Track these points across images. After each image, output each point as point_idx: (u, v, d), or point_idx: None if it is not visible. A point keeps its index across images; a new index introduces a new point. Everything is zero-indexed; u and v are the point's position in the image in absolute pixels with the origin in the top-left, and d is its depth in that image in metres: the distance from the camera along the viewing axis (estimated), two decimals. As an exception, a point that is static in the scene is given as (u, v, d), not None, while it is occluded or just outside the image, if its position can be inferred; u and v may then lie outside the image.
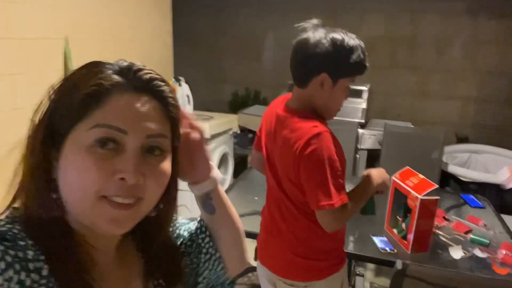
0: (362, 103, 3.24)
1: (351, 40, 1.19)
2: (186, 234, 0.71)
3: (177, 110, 0.57)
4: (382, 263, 1.59)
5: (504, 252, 1.53)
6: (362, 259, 1.53)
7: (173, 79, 3.08)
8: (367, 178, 1.30)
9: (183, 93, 3.05)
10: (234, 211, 0.72)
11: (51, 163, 0.51)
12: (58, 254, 0.49)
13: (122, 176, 0.48)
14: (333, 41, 1.17)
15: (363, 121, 3.11)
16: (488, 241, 1.63)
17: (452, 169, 2.88)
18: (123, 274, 0.59)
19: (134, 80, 0.52)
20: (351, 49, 1.18)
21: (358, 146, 3.08)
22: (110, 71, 0.52)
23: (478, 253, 1.54)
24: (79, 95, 0.50)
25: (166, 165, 0.54)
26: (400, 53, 4.17)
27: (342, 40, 1.18)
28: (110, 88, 0.50)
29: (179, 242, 0.69)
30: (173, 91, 0.57)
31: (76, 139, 0.49)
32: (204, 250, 0.70)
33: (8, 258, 0.43)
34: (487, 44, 3.88)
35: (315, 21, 1.22)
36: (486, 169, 3.23)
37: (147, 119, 0.51)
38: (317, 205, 1.17)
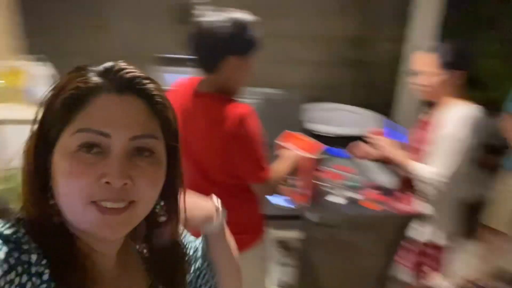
0: None
1: (248, 17, 1.24)
2: (191, 252, 0.71)
3: (166, 108, 0.55)
4: (292, 218, 1.78)
5: (373, 191, 1.91)
6: (275, 218, 1.71)
7: (34, 58, 2.65)
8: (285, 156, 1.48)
9: (47, 74, 2.66)
10: (234, 250, 0.76)
11: (47, 171, 0.51)
12: (59, 259, 0.49)
13: (106, 180, 0.47)
14: (235, 22, 1.20)
15: None
16: (359, 184, 1.97)
17: (314, 126, 3.28)
18: (125, 279, 0.59)
19: (115, 80, 0.50)
20: (251, 27, 1.23)
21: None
22: (91, 74, 0.51)
23: (356, 195, 1.87)
24: (60, 100, 0.49)
25: (157, 165, 0.53)
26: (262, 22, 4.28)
27: (243, 20, 1.21)
28: (90, 90, 0.49)
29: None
30: (160, 88, 0.54)
31: (62, 145, 0.49)
32: (201, 275, 0.71)
33: (12, 260, 0.44)
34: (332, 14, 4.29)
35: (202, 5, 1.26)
36: (341, 124, 3.77)
37: (130, 120, 0.50)
38: (257, 178, 1.30)
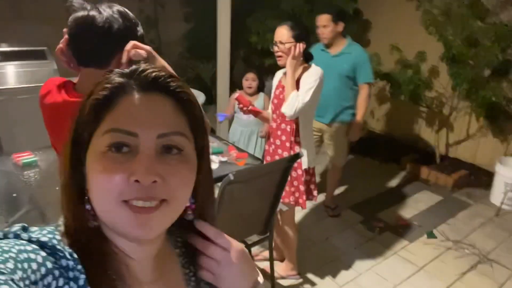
0: (51, 64, 2.95)
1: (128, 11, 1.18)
2: None
3: (193, 105, 0.54)
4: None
5: (233, 152, 2.27)
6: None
7: None
8: None
9: None
10: None
11: (83, 176, 0.52)
12: (93, 264, 0.49)
13: (135, 178, 0.47)
14: (123, 15, 1.14)
15: None
16: (222, 149, 2.32)
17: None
18: (162, 285, 0.58)
19: (139, 79, 0.51)
20: (136, 20, 1.17)
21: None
22: (116, 76, 0.52)
23: (224, 159, 2.21)
24: (89, 103, 0.51)
25: (187, 163, 0.52)
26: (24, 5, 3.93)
27: (127, 13, 1.15)
28: (116, 90, 0.50)
29: None
30: (186, 85, 0.54)
31: (94, 146, 0.50)
32: None
33: (49, 264, 0.44)
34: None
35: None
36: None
37: (157, 118, 0.50)
38: None
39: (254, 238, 2.26)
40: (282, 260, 2.56)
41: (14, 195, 1.79)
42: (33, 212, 1.69)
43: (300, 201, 2.24)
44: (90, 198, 0.51)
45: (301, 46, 2.05)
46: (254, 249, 2.63)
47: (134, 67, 0.53)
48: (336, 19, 2.76)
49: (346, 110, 2.97)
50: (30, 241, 0.46)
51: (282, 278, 2.50)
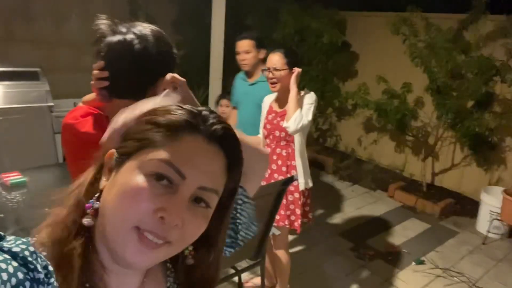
0: (43, 85, 2.95)
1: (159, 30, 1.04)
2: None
3: (239, 168, 0.56)
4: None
5: None
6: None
7: None
8: None
9: None
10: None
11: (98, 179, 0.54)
12: (70, 278, 0.49)
13: (163, 215, 0.48)
14: (159, 39, 1.02)
15: (52, 103, 2.85)
16: None
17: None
18: None
19: (209, 127, 0.52)
20: (170, 41, 1.07)
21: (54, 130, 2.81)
22: (192, 113, 0.53)
23: None
24: (158, 124, 0.51)
25: (206, 219, 0.53)
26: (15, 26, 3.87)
27: (163, 34, 1.03)
28: (187, 127, 0.51)
29: None
30: (241, 145, 0.56)
31: (137, 163, 0.50)
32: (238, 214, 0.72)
33: (20, 275, 0.43)
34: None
35: (105, 19, 1.03)
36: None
37: (207, 170, 0.51)
38: None
39: (244, 264, 2.23)
40: (274, 286, 2.52)
41: (1, 215, 1.73)
42: (20, 233, 1.64)
43: (296, 224, 2.24)
44: (105, 203, 0.51)
45: (298, 71, 2.12)
46: (244, 276, 2.58)
47: (206, 112, 0.54)
48: (259, 45, 2.58)
49: None
50: (1, 250, 0.45)
51: (274, 304, 2.45)
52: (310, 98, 2.16)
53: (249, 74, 2.70)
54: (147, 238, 0.48)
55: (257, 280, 2.33)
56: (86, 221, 0.52)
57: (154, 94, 0.97)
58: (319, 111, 5.04)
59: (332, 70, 4.75)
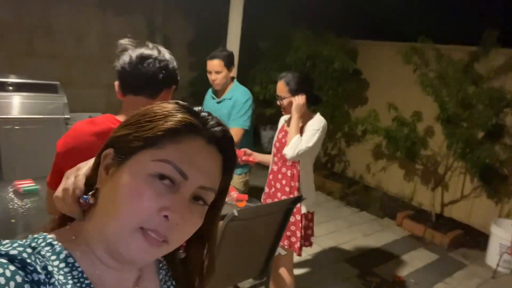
0: (61, 98, 3.05)
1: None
2: None
3: (234, 167, 0.59)
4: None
5: (233, 193, 2.23)
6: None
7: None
8: None
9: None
10: None
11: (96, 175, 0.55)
12: (66, 276, 0.50)
13: (167, 213, 0.49)
14: (171, 57, 1.32)
15: (68, 116, 2.98)
16: None
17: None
18: None
19: (209, 129, 0.55)
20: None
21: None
22: (193, 114, 0.55)
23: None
24: (159, 127, 0.52)
25: (202, 216, 0.55)
26: (37, 41, 4.12)
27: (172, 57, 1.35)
28: (188, 127, 0.53)
29: None
30: (234, 147, 0.59)
31: (139, 163, 0.51)
32: None
33: (18, 279, 0.43)
34: (117, 37, 4.62)
35: (127, 40, 1.29)
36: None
37: (207, 171, 0.54)
38: None
39: (246, 284, 2.20)
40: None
41: (13, 221, 1.76)
42: (30, 239, 1.66)
43: (296, 246, 2.22)
44: (103, 205, 0.53)
45: (299, 98, 2.13)
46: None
47: (206, 114, 0.56)
48: (229, 64, 2.59)
49: None
50: None
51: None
52: (317, 124, 2.17)
53: (218, 93, 2.72)
54: (151, 236, 0.50)
55: (261, 301, 2.29)
56: (78, 216, 0.55)
57: (165, 98, 1.25)
58: (328, 136, 5.06)
59: (343, 96, 4.80)
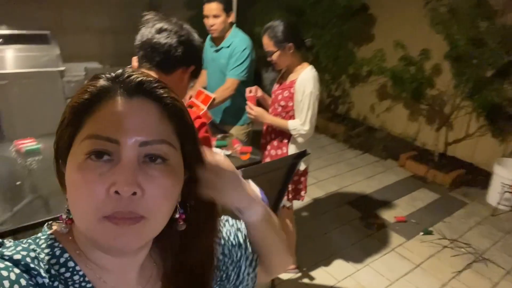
0: (53, 49, 2.85)
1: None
2: (228, 250, 0.67)
3: (181, 111, 0.51)
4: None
5: (237, 146, 2.26)
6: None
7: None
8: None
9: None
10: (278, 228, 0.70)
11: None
12: (66, 281, 0.49)
13: (115, 189, 0.44)
14: (198, 38, 1.26)
15: (63, 68, 2.79)
16: (226, 142, 2.31)
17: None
18: None
19: (124, 84, 0.48)
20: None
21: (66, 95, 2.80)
22: (100, 79, 0.49)
23: (228, 152, 2.20)
24: (70, 107, 0.48)
25: (170, 174, 0.48)
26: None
27: (199, 38, 1.29)
28: (99, 94, 0.47)
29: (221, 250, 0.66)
30: (172, 91, 0.51)
31: (73, 155, 0.47)
32: (243, 268, 0.68)
33: (23, 282, 0.43)
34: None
35: (154, 14, 1.25)
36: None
37: (140, 125, 0.46)
38: None
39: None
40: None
41: (18, 183, 1.77)
42: (37, 201, 1.68)
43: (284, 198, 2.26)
44: (71, 210, 0.49)
45: (251, 106, 2.18)
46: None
47: (119, 71, 0.50)
48: (227, 8, 2.44)
49: (229, 110, 2.66)
50: (2, 258, 0.44)
51: (281, 271, 2.52)
52: (309, 84, 2.05)
53: (216, 40, 2.57)
54: (118, 218, 0.45)
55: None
56: (59, 228, 0.52)
57: (181, 77, 1.23)
58: (332, 77, 4.93)
59: (347, 34, 4.58)
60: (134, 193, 0.44)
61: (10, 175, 1.84)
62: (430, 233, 3.08)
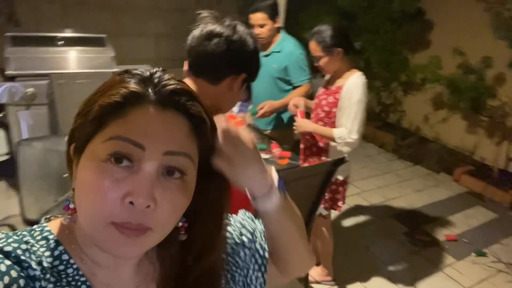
0: (109, 51, 3.01)
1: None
2: (245, 239, 0.65)
3: (208, 129, 0.51)
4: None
5: (275, 150, 2.21)
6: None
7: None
8: None
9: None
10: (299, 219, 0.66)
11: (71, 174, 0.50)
12: (60, 274, 0.49)
13: (131, 200, 0.44)
14: (253, 42, 1.12)
15: (117, 70, 2.81)
16: (265, 146, 2.28)
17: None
18: None
19: (155, 90, 0.47)
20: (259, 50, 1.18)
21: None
22: (133, 80, 0.48)
23: (266, 156, 2.18)
24: (99, 104, 0.47)
25: (184, 191, 0.48)
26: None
27: (256, 41, 1.15)
28: (129, 98, 0.46)
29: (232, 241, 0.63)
30: (203, 104, 0.50)
31: (92, 151, 0.46)
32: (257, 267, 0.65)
33: (13, 273, 0.43)
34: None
35: (208, 13, 1.13)
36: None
37: (168, 135, 0.46)
38: None
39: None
40: (317, 264, 2.51)
41: (65, 175, 1.87)
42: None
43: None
44: (76, 200, 0.48)
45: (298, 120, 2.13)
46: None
47: (151, 71, 0.49)
48: (273, 15, 2.43)
49: (279, 115, 2.63)
50: None
51: (317, 282, 2.45)
52: (357, 91, 1.96)
53: (263, 46, 2.56)
54: (125, 228, 0.45)
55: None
56: (65, 221, 0.51)
57: (230, 86, 1.12)
58: (383, 84, 4.75)
59: (401, 40, 4.39)
60: (148, 206, 0.44)
61: (60, 168, 1.95)
62: (483, 254, 2.84)
